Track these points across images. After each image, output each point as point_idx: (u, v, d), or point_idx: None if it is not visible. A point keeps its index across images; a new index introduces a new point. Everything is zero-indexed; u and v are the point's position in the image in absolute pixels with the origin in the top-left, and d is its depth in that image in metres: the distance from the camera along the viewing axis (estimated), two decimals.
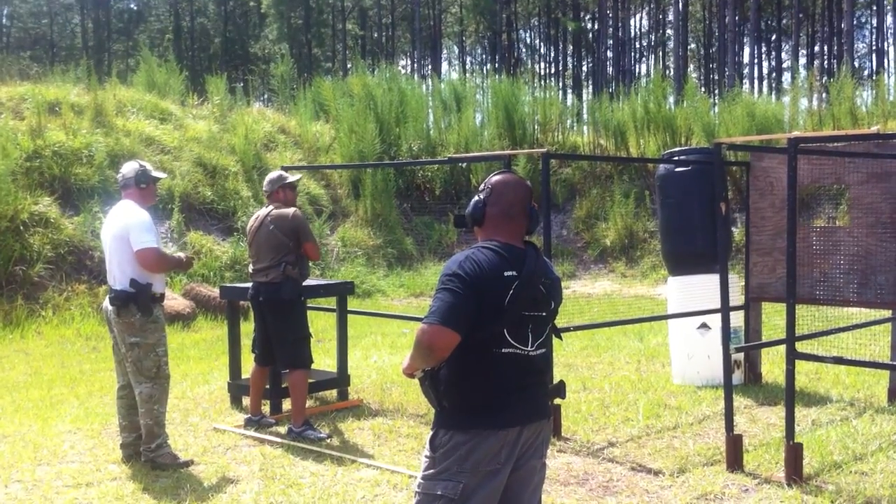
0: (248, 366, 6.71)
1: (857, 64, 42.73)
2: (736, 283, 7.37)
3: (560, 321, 3.22)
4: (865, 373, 7.44)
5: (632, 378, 7.84)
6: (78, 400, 7.33)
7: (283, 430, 6.13)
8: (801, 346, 5.24)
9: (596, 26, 50.00)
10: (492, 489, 2.76)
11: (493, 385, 2.77)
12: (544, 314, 2.87)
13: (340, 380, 7.08)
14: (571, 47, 53.67)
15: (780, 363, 7.47)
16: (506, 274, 2.75)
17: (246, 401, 6.72)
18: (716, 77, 48.02)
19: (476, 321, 2.70)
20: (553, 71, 54.97)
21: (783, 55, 51.78)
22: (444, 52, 59.07)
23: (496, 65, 46.91)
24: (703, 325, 7.35)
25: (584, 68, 53.60)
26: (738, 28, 43.50)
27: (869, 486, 4.77)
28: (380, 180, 17.29)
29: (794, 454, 4.84)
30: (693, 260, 7.44)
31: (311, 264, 6.78)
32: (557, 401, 3.30)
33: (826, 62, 44.16)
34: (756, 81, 43.27)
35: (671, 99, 21.03)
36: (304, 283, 6.23)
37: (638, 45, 55.95)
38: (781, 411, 5.77)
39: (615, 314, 11.49)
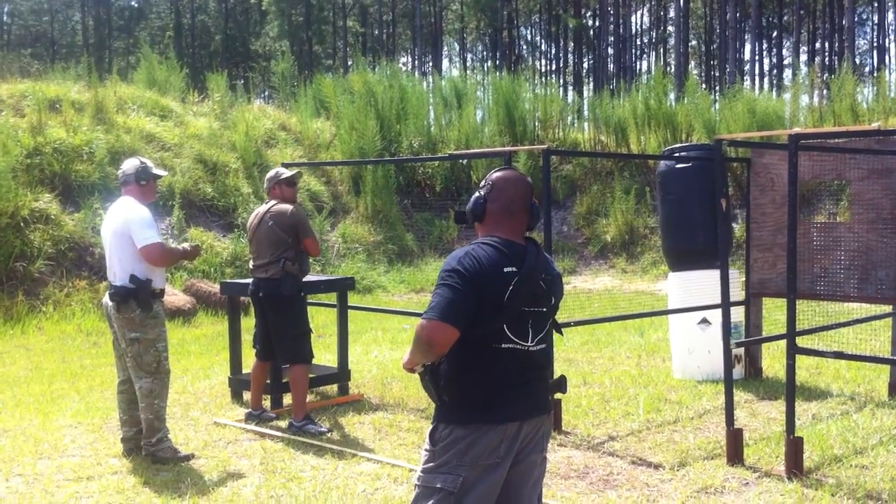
0: (249, 361, 6.72)
1: (858, 60, 42.70)
2: (736, 278, 7.37)
3: (561, 316, 3.22)
4: (866, 367, 7.44)
5: (632, 373, 7.85)
6: (79, 394, 7.34)
7: (283, 424, 6.14)
8: (801, 341, 5.25)
9: (597, 23, 49.93)
10: (491, 483, 2.77)
11: (492, 380, 2.78)
12: (544, 310, 2.88)
13: (341, 375, 7.09)
14: (572, 44, 53.58)
15: (780, 358, 7.47)
16: (505, 270, 2.76)
17: (247, 395, 6.73)
18: (717, 74, 48.03)
19: (475, 317, 2.71)
20: (554, 68, 54.92)
21: (784, 52, 51.72)
22: (445, 48, 59.04)
23: (497, 61, 46.89)
24: (704, 321, 7.35)
25: (585, 65, 53.55)
26: (739, 24, 43.46)
27: (869, 479, 4.78)
28: (380, 177, 17.30)
29: (794, 448, 4.84)
30: (694, 256, 7.44)
31: (311, 260, 6.79)
32: (558, 395, 3.32)
33: (827, 59, 44.13)
34: (757, 78, 43.22)
35: (672, 95, 21.01)
36: (305, 279, 6.24)
37: (639, 42, 55.89)
38: (782, 406, 5.77)
39: (616, 310, 11.50)
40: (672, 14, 48.66)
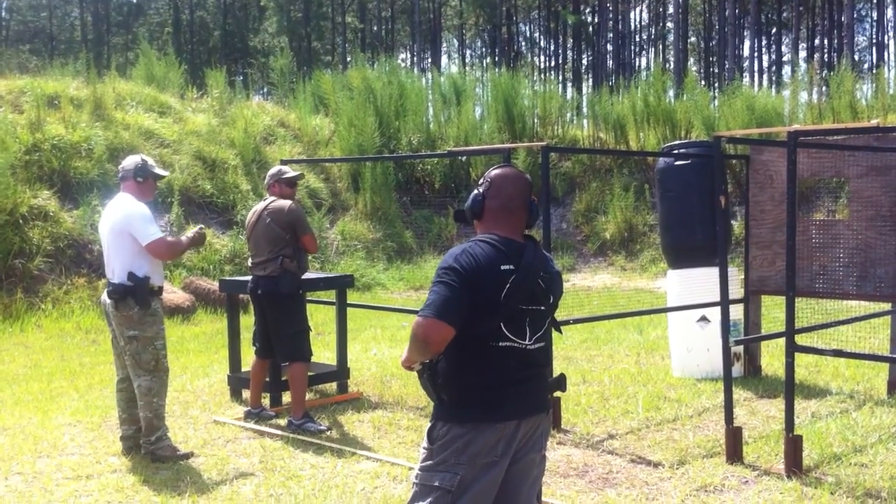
0: (248, 359, 6.72)
1: (857, 57, 42.70)
2: (735, 276, 7.37)
3: (560, 314, 3.22)
4: (865, 365, 7.44)
5: (631, 371, 7.85)
6: (78, 392, 7.34)
7: (282, 422, 6.13)
8: (800, 339, 5.25)
9: (596, 19, 49.87)
10: (488, 481, 2.77)
11: (490, 379, 2.77)
12: (543, 308, 2.87)
13: (340, 373, 7.09)
14: (571, 40, 53.53)
15: (779, 356, 7.48)
16: (502, 268, 2.75)
17: (246, 393, 6.72)
18: (716, 70, 47.97)
19: (472, 315, 2.70)
20: (553, 64, 54.89)
21: (783, 48, 51.73)
22: (444, 45, 58.96)
23: (496, 58, 46.78)
24: (703, 318, 7.35)
25: (584, 61, 53.50)
26: (738, 21, 43.45)
27: (868, 477, 4.78)
28: (379, 174, 17.28)
29: (793, 446, 4.85)
30: (693, 253, 7.44)
31: (310, 257, 6.78)
32: (557, 393, 3.31)
33: (826, 55, 44.08)
34: (756, 75, 43.22)
35: (671, 92, 21.01)
36: (304, 277, 6.23)
37: (638, 39, 55.87)
38: (781, 403, 5.78)
39: (615, 307, 11.50)
40: (671, 10, 48.61)
